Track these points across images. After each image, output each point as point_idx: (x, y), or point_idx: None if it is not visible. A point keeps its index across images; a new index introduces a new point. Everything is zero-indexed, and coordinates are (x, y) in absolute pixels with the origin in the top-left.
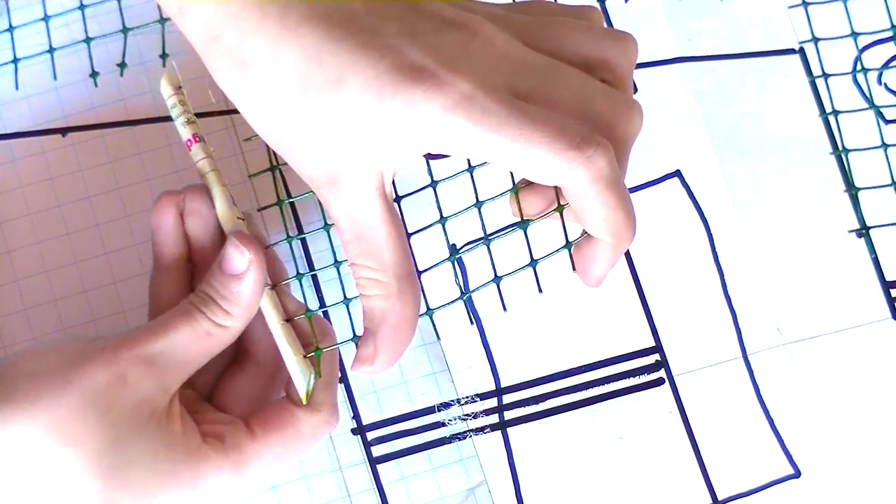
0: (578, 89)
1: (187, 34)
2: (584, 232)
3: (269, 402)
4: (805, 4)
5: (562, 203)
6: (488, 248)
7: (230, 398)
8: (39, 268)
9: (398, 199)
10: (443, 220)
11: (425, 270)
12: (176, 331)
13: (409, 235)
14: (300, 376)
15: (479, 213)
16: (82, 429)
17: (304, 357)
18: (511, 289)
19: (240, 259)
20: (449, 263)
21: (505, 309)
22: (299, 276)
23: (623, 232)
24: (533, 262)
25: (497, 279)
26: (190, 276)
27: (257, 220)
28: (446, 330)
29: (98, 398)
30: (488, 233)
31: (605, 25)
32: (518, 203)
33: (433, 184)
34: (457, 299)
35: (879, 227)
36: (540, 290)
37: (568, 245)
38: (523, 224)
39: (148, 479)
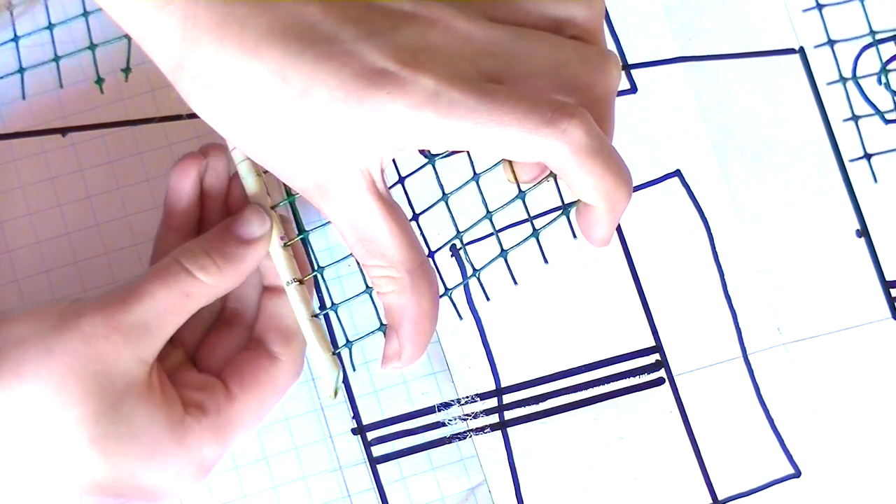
0: (549, 55)
1: (156, 62)
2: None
3: (243, 356)
4: (819, 7)
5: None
6: (491, 221)
7: (216, 359)
8: (39, 267)
9: (402, 179)
10: (445, 196)
11: (435, 252)
12: (151, 297)
13: (416, 216)
14: (328, 373)
15: (478, 186)
16: (64, 400)
17: (333, 353)
18: (511, 286)
19: (256, 226)
20: (453, 243)
21: (516, 283)
22: (320, 269)
23: (616, 195)
24: (535, 233)
25: (504, 252)
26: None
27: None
28: (446, 330)
29: (78, 370)
30: (490, 209)
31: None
32: (512, 169)
33: (431, 160)
34: (471, 276)
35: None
36: (546, 261)
37: (566, 211)
38: (521, 194)
39: (128, 454)
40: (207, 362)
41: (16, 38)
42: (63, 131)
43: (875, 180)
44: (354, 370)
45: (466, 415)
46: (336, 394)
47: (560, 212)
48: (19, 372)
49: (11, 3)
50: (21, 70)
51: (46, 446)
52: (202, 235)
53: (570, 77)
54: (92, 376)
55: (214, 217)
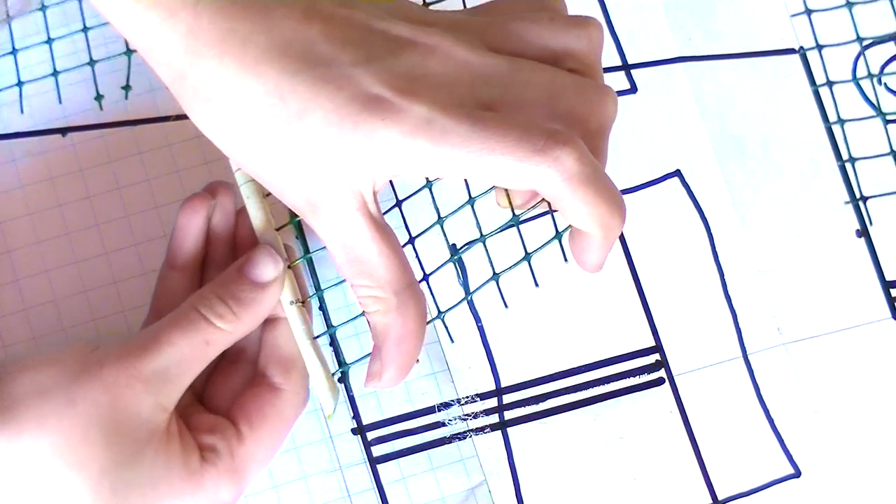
0: (546, 87)
1: (157, 72)
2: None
3: (247, 393)
4: (808, 12)
5: None
6: (484, 244)
7: (223, 397)
8: (39, 268)
9: (399, 203)
10: (441, 220)
11: (430, 274)
12: (171, 345)
13: (412, 239)
14: (328, 395)
15: (473, 209)
16: (88, 451)
17: (332, 375)
18: (510, 288)
19: (270, 269)
20: (448, 264)
21: (506, 306)
22: (319, 292)
23: (609, 222)
24: (527, 256)
25: (496, 276)
26: (200, 279)
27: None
28: (446, 330)
29: (100, 420)
30: (484, 231)
31: (570, 13)
32: (507, 194)
33: (429, 184)
34: (462, 300)
35: (875, 197)
36: (536, 285)
37: (558, 236)
38: (515, 218)
39: (148, 502)
40: (215, 400)
41: (14, 52)
42: (63, 131)
43: (875, 181)
44: (356, 392)
45: (466, 415)
46: (334, 412)
47: (553, 235)
48: (42, 423)
49: (9, 14)
50: (20, 83)
51: (70, 497)
52: (216, 280)
53: (565, 109)
54: (115, 426)
55: (220, 256)
